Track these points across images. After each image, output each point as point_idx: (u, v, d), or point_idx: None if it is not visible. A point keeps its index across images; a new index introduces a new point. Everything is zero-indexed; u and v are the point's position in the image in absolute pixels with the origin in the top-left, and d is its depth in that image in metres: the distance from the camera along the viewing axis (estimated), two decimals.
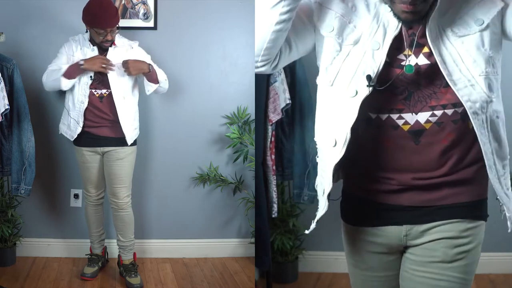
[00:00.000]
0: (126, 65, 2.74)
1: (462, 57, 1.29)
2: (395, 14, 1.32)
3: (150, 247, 3.40)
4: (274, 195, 2.71)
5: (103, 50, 2.81)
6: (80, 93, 2.79)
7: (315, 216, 1.57)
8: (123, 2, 3.21)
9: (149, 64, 2.80)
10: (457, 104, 1.30)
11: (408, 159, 1.36)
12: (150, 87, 2.87)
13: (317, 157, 1.53)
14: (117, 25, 2.74)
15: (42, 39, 3.17)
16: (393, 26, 1.33)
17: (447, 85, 1.30)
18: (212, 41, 3.33)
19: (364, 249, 1.51)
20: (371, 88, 1.31)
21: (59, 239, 3.33)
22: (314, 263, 3.36)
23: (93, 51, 2.80)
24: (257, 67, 1.46)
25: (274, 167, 2.72)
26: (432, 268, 1.37)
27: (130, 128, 2.87)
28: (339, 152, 1.37)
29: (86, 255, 3.11)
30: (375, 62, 1.32)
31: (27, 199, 3.12)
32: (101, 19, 2.67)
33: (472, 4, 1.32)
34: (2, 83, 2.65)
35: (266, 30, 1.37)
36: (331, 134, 1.39)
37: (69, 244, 3.32)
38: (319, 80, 1.47)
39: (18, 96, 2.89)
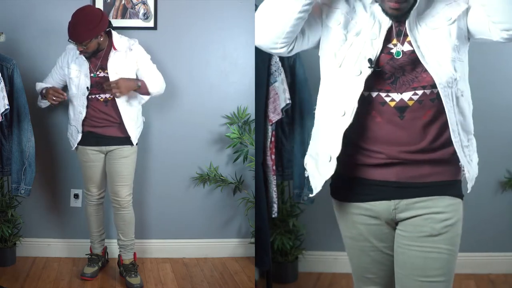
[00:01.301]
0: (117, 86, 2.73)
1: (434, 44, 1.57)
2: (383, 11, 1.60)
3: (150, 247, 3.40)
4: (274, 195, 2.71)
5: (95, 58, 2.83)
6: (78, 103, 2.85)
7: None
8: (123, 2, 3.21)
9: (138, 80, 2.81)
10: (434, 85, 1.56)
11: (394, 133, 1.59)
12: (142, 99, 2.92)
13: (313, 130, 1.75)
14: (89, 40, 2.71)
15: (42, 39, 3.17)
16: (386, 21, 1.61)
17: (426, 70, 1.56)
18: (212, 41, 3.33)
19: (358, 221, 1.69)
20: (372, 69, 1.57)
21: (59, 239, 3.33)
22: (314, 263, 3.36)
23: (85, 61, 2.83)
24: (275, 49, 1.66)
25: (274, 167, 2.72)
26: (422, 242, 1.58)
27: (134, 128, 2.90)
28: (348, 119, 1.60)
29: (86, 255, 3.11)
30: (374, 49, 1.60)
31: (27, 199, 3.12)
32: (70, 31, 2.71)
33: (443, 5, 1.61)
34: (2, 83, 2.65)
35: (290, 16, 1.59)
36: (340, 106, 1.62)
37: (69, 244, 3.32)
38: (326, 64, 1.69)
39: (18, 96, 2.89)
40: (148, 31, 3.24)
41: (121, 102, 2.83)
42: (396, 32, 1.61)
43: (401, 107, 1.58)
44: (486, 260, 3.24)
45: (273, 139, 2.71)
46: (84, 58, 2.82)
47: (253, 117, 3.21)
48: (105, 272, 3.12)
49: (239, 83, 3.35)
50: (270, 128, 2.69)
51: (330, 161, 1.63)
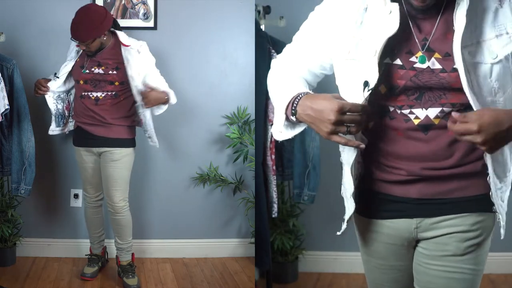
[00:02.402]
0: (146, 98, 2.69)
1: (471, 81, 1.35)
2: (410, 4, 1.38)
3: (150, 247, 3.40)
4: (274, 195, 2.71)
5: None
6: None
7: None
8: (123, 2, 3.21)
9: (166, 92, 2.79)
10: (466, 103, 1.35)
11: (416, 148, 1.41)
12: (160, 110, 2.86)
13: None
14: (91, 40, 2.67)
15: (42, 39, 3.17)
16: (390, 28, 1.37)
17: (457, 90, 1.35)
18: (212, 41, 3.33)
19: (377, 239, 1.56)
20: (368, 93, 1.37)
21: (59, 239, 3.33)
22: (314, 263, 3.36)
23: (76, 54, 2.83)
24: None
25: (274, 167, 2.72)
26: (445, 261, 1.44)
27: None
28: (353, 153, 1.46)
29: (86, 255, 3.11)
30: (370, 68, 1.37)
31: (27, 199, 3.12)
32: (72, 30, 2.66)
33: (492, 34, 1.37)
34: (2, 83, 2.65)
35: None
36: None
37: (69, 244, 3.32)
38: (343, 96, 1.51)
39: (18, 96, 2.89)
40: (148, 31, 3.24)
41: (113, 101, 2.80)
42: (422, 45, 1.39)
43: (426, 125, 1.39)
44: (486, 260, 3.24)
45: (273, 139, 2.71)
46: (75, 54, 2.81)
47: (253, 117, 3.21)
48: (105, 272, 3.12)
49: (239, 83, 3.35)
50: (270, 128, 2.69)
51: (350, 197, 1.52)
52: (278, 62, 1.67)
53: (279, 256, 3.21)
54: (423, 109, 1.39)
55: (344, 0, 1.49)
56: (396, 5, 1.38)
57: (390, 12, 1.38)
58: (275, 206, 2.71)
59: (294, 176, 2.95)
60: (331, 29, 1.50)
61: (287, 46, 1.67)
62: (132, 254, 3.01)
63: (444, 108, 1.37)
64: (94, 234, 3.07)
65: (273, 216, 2.73)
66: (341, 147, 1.54)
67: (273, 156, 2.71)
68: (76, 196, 3.32)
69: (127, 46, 2.75)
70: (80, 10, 2.70)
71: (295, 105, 1.41)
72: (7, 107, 2.65)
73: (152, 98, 2.71)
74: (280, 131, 1.50)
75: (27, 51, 3.17)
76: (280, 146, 2.91)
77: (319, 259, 3.37)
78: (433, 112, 1.38)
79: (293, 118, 1.43)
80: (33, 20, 3.16)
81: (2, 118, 2.68)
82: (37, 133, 3.01)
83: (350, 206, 1.53)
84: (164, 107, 2.87)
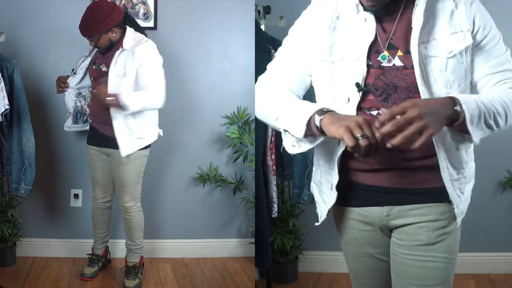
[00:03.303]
0: (97, 92, 2.61)
1: (428, 74, 1.47)
2: (362, 5, 1.50)
3: (150, 247, 3.40)
4: (274, 195, 2.71)
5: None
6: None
7: (315, 215, 1.70)
8: (123, 2, 3.21)
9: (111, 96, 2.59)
10: None
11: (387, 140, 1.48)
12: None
13: (314, 158, 1.70)
14: (96, 36, 2.61)
15: (42, 39, 3.17)
16: (368, 35, 1.51)
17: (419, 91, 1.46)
18: (212, 41, 3.33)
19: (353, 226, 1.65)
20: (361, 93, 1.50)
21: (59, 239, 3.33)
22: (314, 263, 3.36)
23: (93, 50, 2.81)
24: None
25: (274, 167, 2.72)
26: (418, 251, 1.52)
27: (125, 136, 2.71)
28: (342, 147, 1.54)
29: (87, 255, 3.10)
30: (359, 70, 1.50)
31: (27, 199, 3.12)
32: (80, 27, 2.62)
33: (447, 32, 1.48)
34: (2, 83, 2.65)
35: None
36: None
37: (69, 244, 3.32)
38: (320, 96, 1.61)
39: (18, 96, 2.89)
40: (148, 31, 3.22)
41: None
42: (386, 44, 1.50)
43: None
44: (486, 260, 3.24)
45: (273, 139, 2.71)
46: (92, 49, 2.81)
47: (253, 117, 3.21)
48: (105, 272, 3.12)
49: (239, 83, 3.35)
50: (270, 128, 2.69)
51: (331, 189, 1.59)
52: (264, 81, 1.70)
53: (279, 256, 3.21)
54: None
55: (318, 10, 1.61)
56: (370, 15, 1.50)
57: (365, 20, 1.51)
58: (275, 206, 2.71)
59: (294, 176, 2.95)
60: (310, 36, 1.61)
61: (269, 64, 1.73)
62: (141, 257, 2.98)
63: None
64: (98, 234, 3.06)
65: (273, 216, 2.73)
66: (329, 146, 1.58)
67: (273, 156, 2.71)
68: (76, 196, 3.32)
69: (122, 48, 2.65)
70: (88, 6, 2.66)
71: (321, 116, 1.43)
72: (7, 107, 2.65)
73: (99, 90, 2.58)
74: (293, 145, 1.56)
75: (27, 51, 3.17)
76: (280, 146, 2.91)
77: (319, 259, 3.37)
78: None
79: (317, 125, 1.43)
80: (33, 20, 3.16)
81: (2, 118, 2.68)
82: (37, 133, 3.01)
83: (332, 198, 1.61)
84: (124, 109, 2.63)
